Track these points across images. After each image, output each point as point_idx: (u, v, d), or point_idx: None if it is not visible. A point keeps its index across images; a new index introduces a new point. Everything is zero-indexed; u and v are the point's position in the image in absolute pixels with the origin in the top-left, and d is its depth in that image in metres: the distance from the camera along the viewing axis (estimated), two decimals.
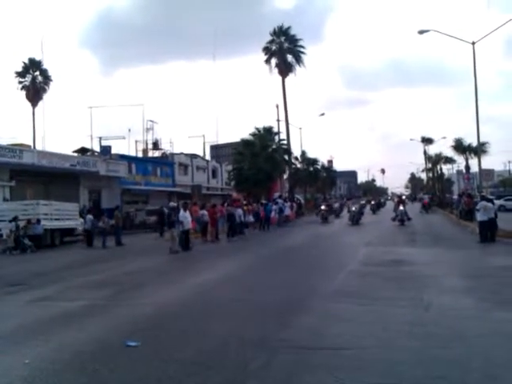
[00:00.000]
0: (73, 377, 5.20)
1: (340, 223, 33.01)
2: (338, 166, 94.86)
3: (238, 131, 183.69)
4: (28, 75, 51.36)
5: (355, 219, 29.76)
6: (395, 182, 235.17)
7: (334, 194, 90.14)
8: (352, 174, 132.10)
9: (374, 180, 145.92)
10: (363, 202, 48.64)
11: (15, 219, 21.97)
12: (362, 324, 6.87)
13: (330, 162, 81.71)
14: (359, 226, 28.90)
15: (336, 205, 43.22)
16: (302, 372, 5.01)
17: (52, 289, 11.12)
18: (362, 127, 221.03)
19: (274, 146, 46.03)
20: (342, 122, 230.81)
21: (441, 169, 70.25)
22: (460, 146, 55.05)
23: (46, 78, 52.21)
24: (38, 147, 43.54)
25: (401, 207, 28.35)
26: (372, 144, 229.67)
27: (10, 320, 8.17)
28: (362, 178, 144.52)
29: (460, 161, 59.91)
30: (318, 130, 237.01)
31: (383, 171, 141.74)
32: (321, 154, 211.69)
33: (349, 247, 18.32)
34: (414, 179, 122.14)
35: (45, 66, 52.34)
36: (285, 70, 49.73)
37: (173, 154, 50.41)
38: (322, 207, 36.33)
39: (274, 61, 50.04)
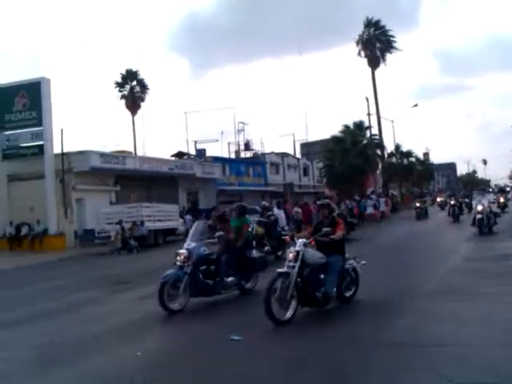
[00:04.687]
0: (183, 368, 5.59)
1: None
2: (435, 159, 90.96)
3: (327, 127, 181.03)
4: (126, 85, 54.25)
5: None
6: (500, 173, 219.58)
7: (433, 188, 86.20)
8: (451, 167, 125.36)
9: (475, 172, 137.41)
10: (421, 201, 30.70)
11: (120, 222, 23.65)
12: (464, 321, 6.58)
13: (426, 154, 78.42)
14: None
15: None
16: (405, 369, 4.96)
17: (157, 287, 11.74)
18: (461, 116, 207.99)
19: (365, 141, 45.05)
20: (438, 112, 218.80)
21: None
22: None
23: (143, 87, 54.80)
24: (139, 153, 46.21)
25: None
26: (472, 133, 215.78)
27: (121, 316, 8.75)
28: (461, 170, 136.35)
29: None
30: (412, 121, 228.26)
31: (485, 162, 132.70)
32: (416, 146, 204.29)
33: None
34: None
35: (141, 75, 55.09)
36: (374, 61, 48.53)
37: (264, 154, 51.08)
38: None
39: (363, 53, 49.04)
